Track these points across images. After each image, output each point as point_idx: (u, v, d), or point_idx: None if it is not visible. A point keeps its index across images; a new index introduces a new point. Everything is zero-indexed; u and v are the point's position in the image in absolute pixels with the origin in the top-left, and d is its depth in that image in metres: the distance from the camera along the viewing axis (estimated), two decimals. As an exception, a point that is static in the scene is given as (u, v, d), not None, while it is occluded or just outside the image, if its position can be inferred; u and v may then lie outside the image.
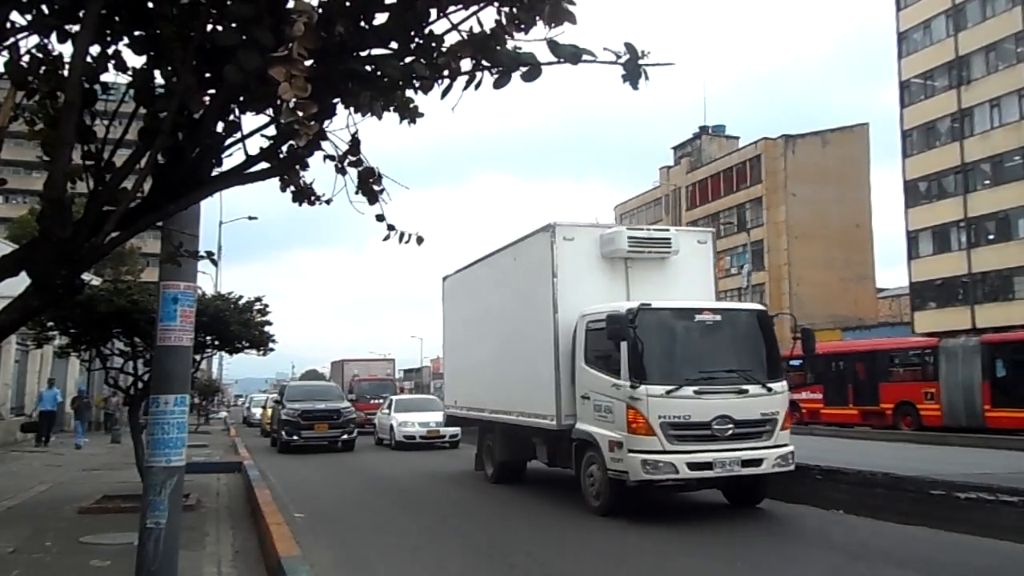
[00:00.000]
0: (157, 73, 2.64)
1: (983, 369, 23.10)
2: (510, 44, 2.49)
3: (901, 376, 26.31)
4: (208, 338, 11.72)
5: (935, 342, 26.09)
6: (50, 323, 11.05)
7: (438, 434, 21.25)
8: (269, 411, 28.94)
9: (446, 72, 2.54)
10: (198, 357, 12.68)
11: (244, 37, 2.25)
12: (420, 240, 3.37)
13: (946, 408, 23.77)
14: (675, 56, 2.46)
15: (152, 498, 4.84)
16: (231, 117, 2.75)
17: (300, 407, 21.84)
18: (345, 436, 21.74)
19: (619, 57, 2.41)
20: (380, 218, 3.22)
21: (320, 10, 2.26)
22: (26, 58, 2.72)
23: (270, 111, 2.74)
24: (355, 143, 2.97)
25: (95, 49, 2.57)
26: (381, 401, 26.98)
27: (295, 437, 21.30)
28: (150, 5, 2.48)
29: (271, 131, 2.83)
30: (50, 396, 22.04)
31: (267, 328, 12.62)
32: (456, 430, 20.37)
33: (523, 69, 2.48)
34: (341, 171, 3.01)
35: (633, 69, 2.41)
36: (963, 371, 23.55)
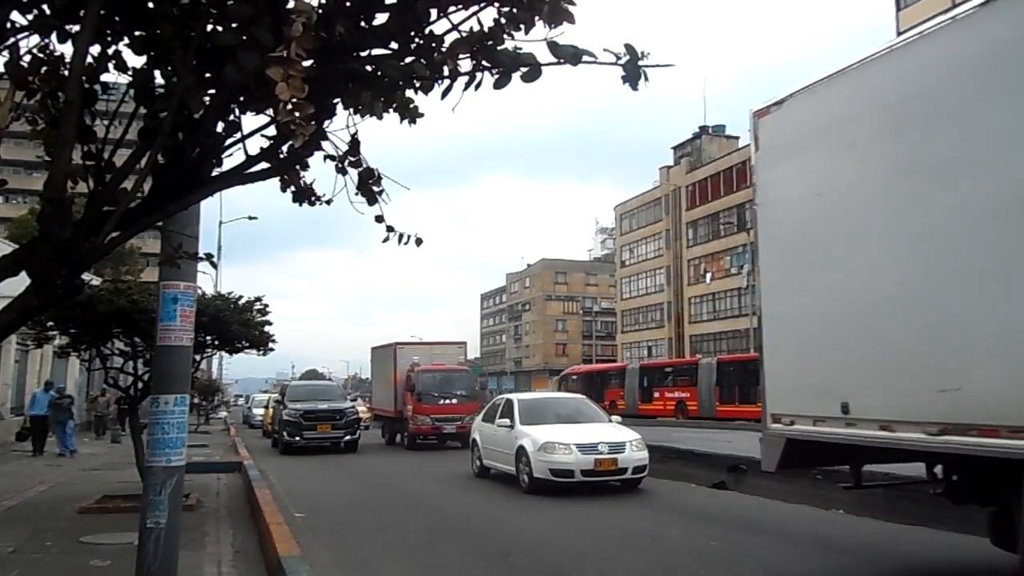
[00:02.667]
0: (157, 73, 2.64)
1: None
2: (510, 45, 2.50)
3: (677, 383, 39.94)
4: (208, 338, 11.73)
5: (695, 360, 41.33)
6: (50, 323, 11.05)
7: (614, 466, 11.85)
8: (270, 411, 28.52)
9: (446, 72, 2.54)
10: (198, 357, 12.69)
11: (244, 37, 2.25)
12: (419, 242, 3.38)
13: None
14: (677, 55, 2.47)
15: (152, 498, 4.84)
16: (231, 117, 2.75)
17: (302, 407, 21.07)
18: (348, 437, 21.00)
19: (619, 58, 2.41)
20: (379, 219, 3.23)
21: (320, 10, 2.26)
22: (27, 58, 2.72)
23: (270, 111, 2.74)
24: (355, 143, 2.97)
25: (95, 49, 2.58)
26: (455, 401, 21.83)
27: (296, 438, 20.66)
28: (150, 5, 2.48)
29: (271, 131, 2.84)
30: (44, 399, 19.67)
31: (267, 328, 12.64)
32: (643, 457, 12.12)
33: (523, 70, 2.49)
34: (341, 171, 3.01)
35: (633, 70, 2.42)
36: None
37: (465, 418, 20.68)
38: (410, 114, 2.82)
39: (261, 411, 34.58)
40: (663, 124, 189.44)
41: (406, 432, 22.59)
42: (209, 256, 4.03)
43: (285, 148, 2.83)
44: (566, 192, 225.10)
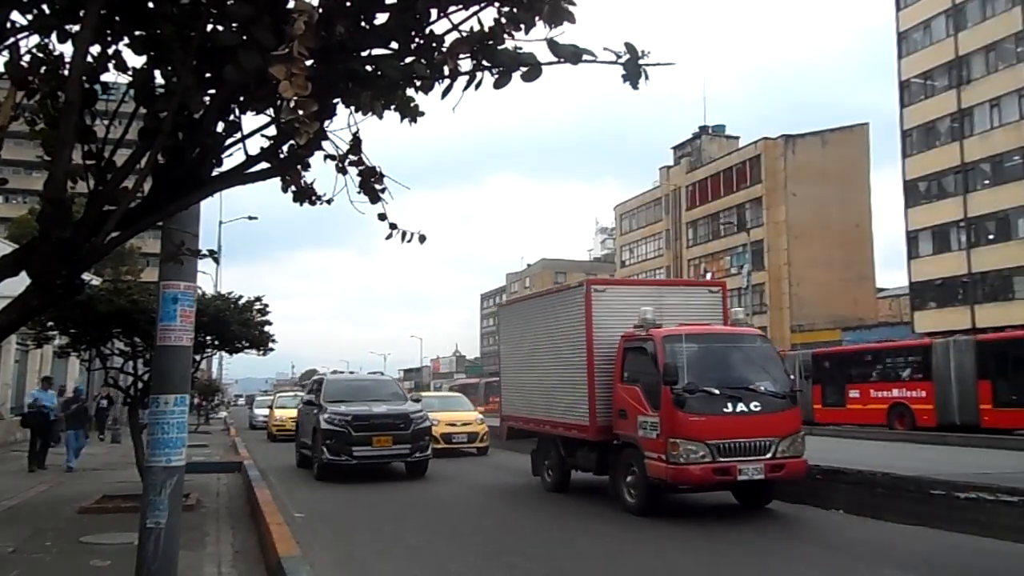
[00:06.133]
0: (157, 73, 2.64)
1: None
2: (511, 44, 2.49)
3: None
4: (208, 338, 11.74)
5: None
6: (50, 323, 11.06)
7: None
8: (276, 412, 27.35)
9: (446, 72, 2.54)
10: (198, 357, 12.69)
11: (244, 37, 2.25)
12: (423, 239, 3.37)
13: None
14: (678, 55, 2.46)
15: (152, 498, 4.84)
16: (231, 117, 2.75)
17: (349, 411, 14.30)
18: (418, 455, 14.40)
19: (619, 57, 2.41)
20: (382, 217, 3.22)
21: (320, 10, 2.26)
22: (26, 58, 2.72)
23: (270, 111, 2.74)
24: (356, 143, 2.97)
25: (95, 49, 2.57)
26: (757, 406, 9.53)
27: (342, 456, 13.81)
28: (150, 5, 2.48)
29: (271, 131, 2.84)
30: (45, 399, 16.49)
31: (267, 328, 12.65)
32: None
33: (523, 69, 2.48)
34: (342, 171, 3.01)
35: (633, 69, 2.41)
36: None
37: (780, 444, 9.59)
38: (410, 113, 2.82)
39: (264, 411, 32.99)
40: (669, 124, 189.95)
41: (629, 476, 10.26)
42: (212, 252, 4.03)
43: (285, 148, 2.82)
44: (571, 192, 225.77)
